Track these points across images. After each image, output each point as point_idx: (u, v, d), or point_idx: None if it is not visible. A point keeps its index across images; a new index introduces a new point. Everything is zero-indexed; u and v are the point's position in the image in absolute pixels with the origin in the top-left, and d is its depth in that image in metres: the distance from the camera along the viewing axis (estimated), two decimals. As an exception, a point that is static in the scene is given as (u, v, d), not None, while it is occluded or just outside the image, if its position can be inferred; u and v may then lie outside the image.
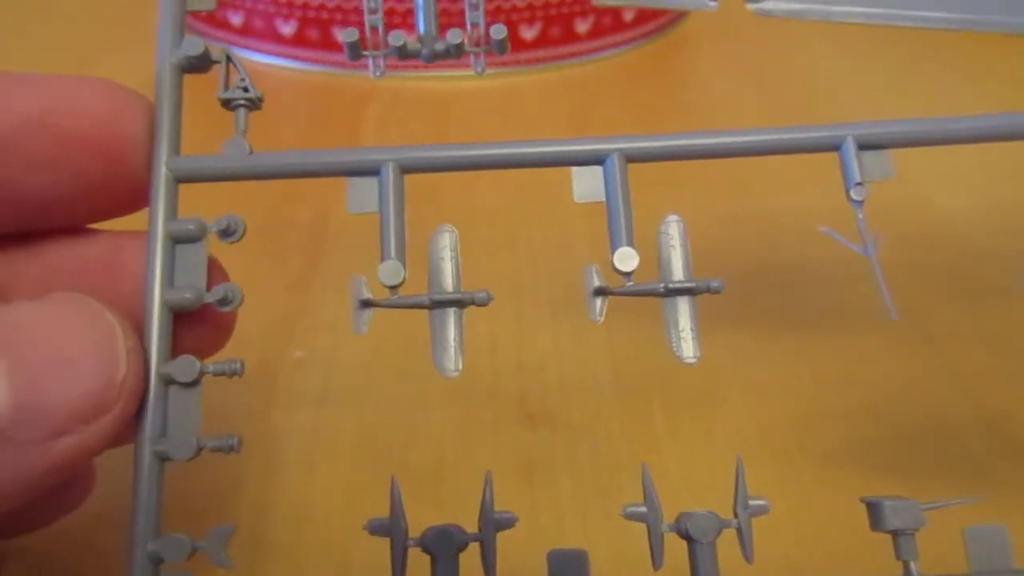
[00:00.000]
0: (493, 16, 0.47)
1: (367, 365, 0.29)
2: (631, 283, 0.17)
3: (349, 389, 0.28)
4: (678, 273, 0.18)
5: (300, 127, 0.44)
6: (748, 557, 0.16)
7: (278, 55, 0.49)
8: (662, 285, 0.17)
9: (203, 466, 0.25)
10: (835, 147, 0.18)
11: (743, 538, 0.16)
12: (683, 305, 0.17)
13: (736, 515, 0.16)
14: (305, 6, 0.47)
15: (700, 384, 0.28)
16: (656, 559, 0.16)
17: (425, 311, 0.18)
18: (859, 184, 0.18)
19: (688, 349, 0.17)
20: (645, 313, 0.31)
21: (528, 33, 0.49)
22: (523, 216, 0.36)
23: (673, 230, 0.18)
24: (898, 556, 0.16)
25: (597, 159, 0.18)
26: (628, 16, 0.51)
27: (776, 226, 0.35)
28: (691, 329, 0.17)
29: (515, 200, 0.37)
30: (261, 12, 0.48)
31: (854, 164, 0.18)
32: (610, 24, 0.51)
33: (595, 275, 0.17)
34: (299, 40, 0.48)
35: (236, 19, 0.49)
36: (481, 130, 0.43)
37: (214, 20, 0.50)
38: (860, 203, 0.18)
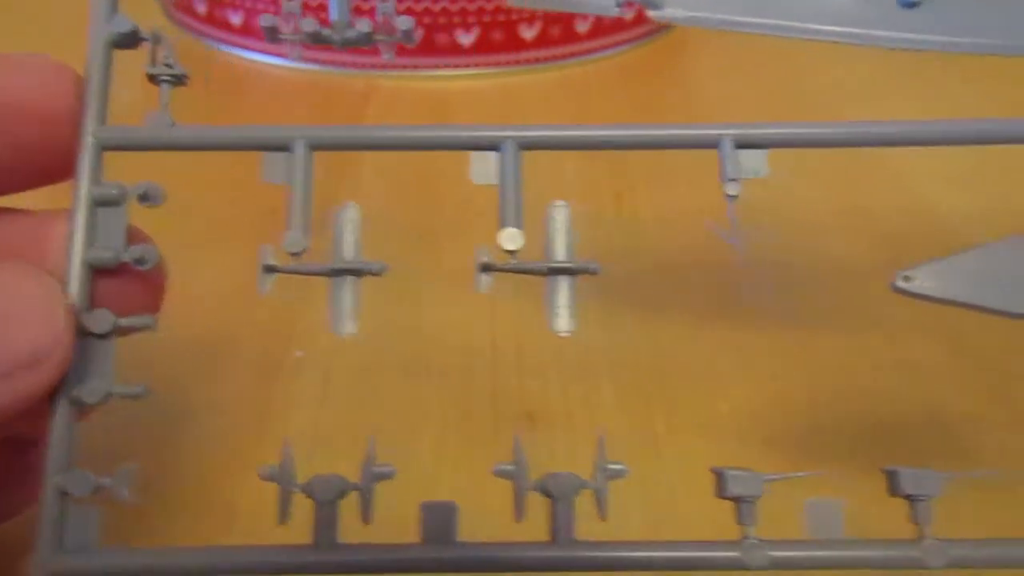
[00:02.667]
0: (494, 15, 0.48)
1: (367, 365, 0.29)
2: (515, 261, 0.19)
3: (349, 389, 0.28)
4: (560, 254, 0.19)
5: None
6: (602, 515, 0.17)
7: (278, 55, 0.49)
8: (544, 265, 0.19)
9: (203, 470, 0.25)
10: (713, 145, 0.19)
11: (599, 499, 0.18)
12: (562, 284, 0.19)
13: (595, 478, 0.18)
14: (304, 6, 0.47)
15: (697, 381, 0.28)
16: (519, 513, 0.18)
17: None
18: (733, 180, 0.19)
19: (563, 323, 0.19)
20: (646, 312, 0.31)
21: (528, 33, 0.49)
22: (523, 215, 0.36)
23: (559, 215, 0.19)
24: (738, 522, 0.17)
25: (493, 145, 0.19)
26: (628, 16, 0.51)
27: (768, 223, 0.35)
28: (567, 306, 0.19)
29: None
30: (261, 12, 0.48)
31: (730, 161, 0.19)
32: (610, 24, 0.51)
33: (484, 253, 0.19)
34: (299, 40, 0.48)
35: (236, 19, 0.49)
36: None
37: (214, 19, 0.50)
38: (734, 198, 0.19)
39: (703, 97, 0.49)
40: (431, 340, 0.30)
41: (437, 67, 0.48)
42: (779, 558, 0.17)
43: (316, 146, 0.19)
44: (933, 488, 0.17)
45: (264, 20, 0.20)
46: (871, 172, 0.39)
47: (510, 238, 0.19)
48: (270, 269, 0.19)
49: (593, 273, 0.19)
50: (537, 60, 0.50)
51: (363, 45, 0.20)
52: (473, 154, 0.19)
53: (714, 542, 0.17)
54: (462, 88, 0.48)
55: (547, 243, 0.19)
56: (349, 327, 0.19)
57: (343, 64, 0.48)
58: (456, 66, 0.49)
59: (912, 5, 0.21)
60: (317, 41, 0.20)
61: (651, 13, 0.21)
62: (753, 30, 0.21)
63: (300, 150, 0.19)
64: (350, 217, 0.19)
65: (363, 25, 0.20)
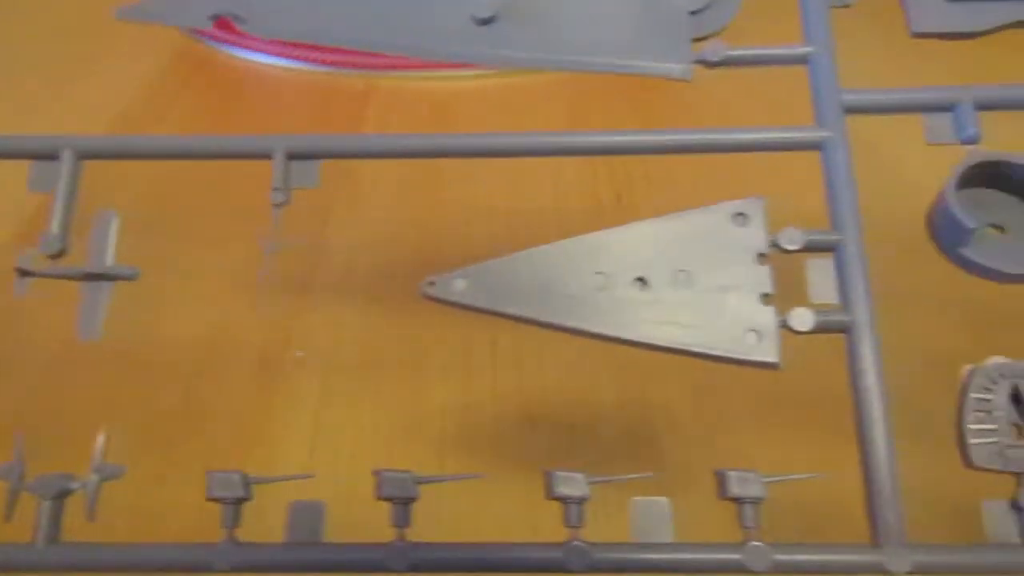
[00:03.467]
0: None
1: (367, 365, 0.29)
2: (52, 267, 0.20)
3: (349, 389, 0.28)
4: (102, 261, 0.20)
5: (300, 126, 0.44)
6: (90, 516, 0.18)
7: (278, 55, 0.49)
8: (82, 271, 0.20)
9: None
10: (267, 155, 0.20)
11: (89, 499, 0.18)
12: (99, 288, 0.20)
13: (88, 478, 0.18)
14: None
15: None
16: (8, 513, 0.18)
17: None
18: (278, 189, 0.20)
19: (92, 330, 0.19)
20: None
21: (528, 33, 0.49)
22: (519, 215, 0.37)
23: (106, 225, 0.20)
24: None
25: (52, 155, 0.20)
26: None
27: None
28: (100, 310, 0.20)
29: (520, 202, 0.37)
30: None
31: (282, 171, 0.20)
32: (610, 24, 0.51)
33: (24, 259, 0.20)
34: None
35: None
36: (482, 130, 0.43)
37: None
38: (280, 206, 0.20)
39: (703, 97, 0.49)
40: (431, 340, 0.30)
41: (437, 67, 0.48)
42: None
43: None
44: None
45: None
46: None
47: (49, 244, 0.20)
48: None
49: (130, 279, 0.19)
50: (537, 60, 0.50)
51: None
52: (31, 163, 0.20)
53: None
54: (462, 88, 0.48)
55: (90, 251, 0.20)
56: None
57: (343, 64, 0.48)
58: (456, 66, 0.49)
59: (487, 21, 0.22)
60: None
61: (241, 28, 0.23)
62: (342, 43, 0.23)
63: None
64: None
65: None
